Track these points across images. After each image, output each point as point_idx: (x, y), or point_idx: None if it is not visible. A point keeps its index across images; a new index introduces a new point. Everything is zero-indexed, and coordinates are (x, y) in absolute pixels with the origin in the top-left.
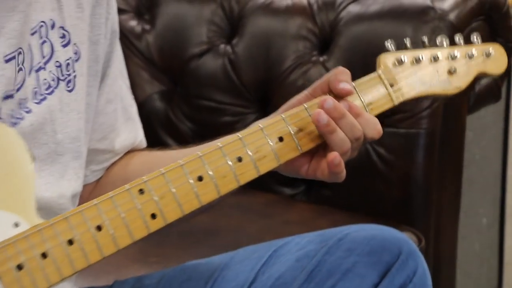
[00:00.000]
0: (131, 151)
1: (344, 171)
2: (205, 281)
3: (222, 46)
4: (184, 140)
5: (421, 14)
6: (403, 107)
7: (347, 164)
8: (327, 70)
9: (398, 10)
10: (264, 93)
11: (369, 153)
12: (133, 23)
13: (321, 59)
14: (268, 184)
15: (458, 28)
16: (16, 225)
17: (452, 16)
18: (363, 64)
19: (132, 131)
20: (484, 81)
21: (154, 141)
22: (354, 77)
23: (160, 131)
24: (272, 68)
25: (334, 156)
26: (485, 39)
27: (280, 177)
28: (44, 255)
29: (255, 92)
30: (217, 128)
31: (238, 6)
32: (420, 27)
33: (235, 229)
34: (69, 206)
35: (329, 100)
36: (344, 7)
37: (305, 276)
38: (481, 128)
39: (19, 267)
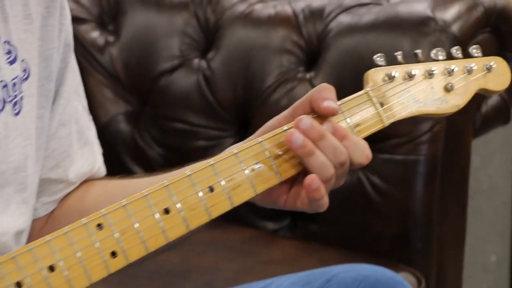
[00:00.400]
0: (88, 180)
1: (326, 198)
2: None
3: (196, 60)
4: (152, 168)
5: (420, 26)
6: (400, 130)
7: (338, 195)
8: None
9: (394, 20)
10: (243, 114)
11: (362, 182)
12: (95, 34)
13: (307, 75)
14: (247, 217)
15: (461, 41)
16: None
17: (455, 28)
18: (354, 81)
19: (89, 158)
20: (491, 101)
21: (119, 168)
22: (345, 96)
23: (126, 157)
24: (252, 86)
25: (311, 179)
26: (493, 53)
27: (261, 210)
28: None
29: (233, 113)
30: (190, 154)
31: (215, 16)
32: (419, 40)
33: (209, 270)
34: (13, 245)
35: (305, 119)
36: (334, 17)
37: None
38: (489, 153)
39: None
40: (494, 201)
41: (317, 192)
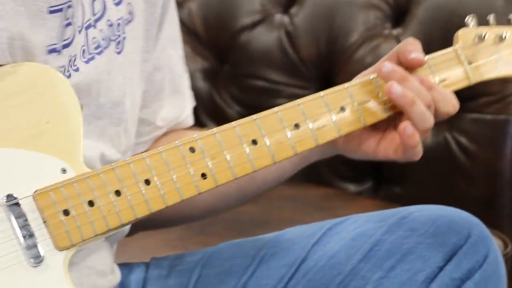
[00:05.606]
0: (178, 130)
1: (420, 146)
2: (251, 258)
3: (278, 16)
4: None
5: None
6: (489, 89)
7: (423, 156)
8: None
9: None
10: (326, 72)
11: (448, 142)
12: None
13: (394, 32)
14: (328, 178)
15: None
16: (64, 171)
17: None
18: (443, 39)
19: (177, 106)
20: None
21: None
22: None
23: (203, 116)
24: (336, 43)
25: (405, 124)
26: None
27: (342, 171)
28: (91, 203)
29: (316, 70)
30: None
31: None
32: None
33: (286, 222)
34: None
35: (387, 63)
36: None
37: (361, 256)
38: None
39: (66, 213)
40: None
41: (411, 138)
